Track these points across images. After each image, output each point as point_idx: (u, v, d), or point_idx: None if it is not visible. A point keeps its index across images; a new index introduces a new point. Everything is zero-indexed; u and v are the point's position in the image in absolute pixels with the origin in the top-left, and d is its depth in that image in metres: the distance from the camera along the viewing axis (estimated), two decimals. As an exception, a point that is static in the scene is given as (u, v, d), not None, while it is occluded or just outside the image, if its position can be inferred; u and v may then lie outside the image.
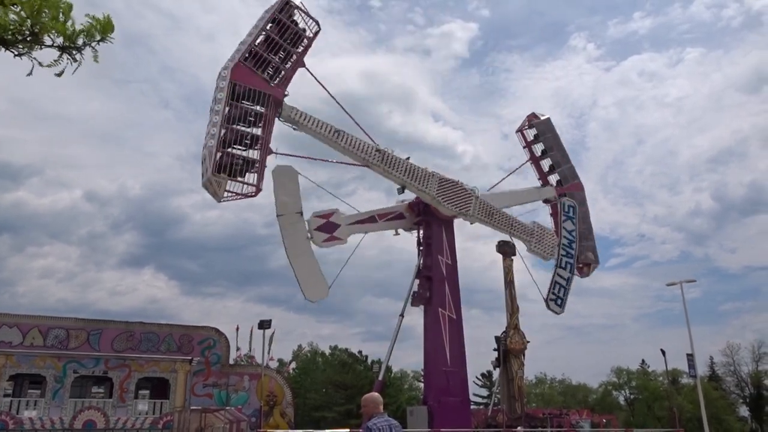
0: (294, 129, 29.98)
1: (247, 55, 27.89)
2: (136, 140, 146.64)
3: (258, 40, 28.41)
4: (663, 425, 56.27)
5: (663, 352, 38.54)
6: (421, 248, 33.14)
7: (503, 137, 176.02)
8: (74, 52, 4.51)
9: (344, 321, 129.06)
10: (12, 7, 4.24)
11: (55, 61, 4.47)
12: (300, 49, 30.00)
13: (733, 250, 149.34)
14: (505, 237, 36.51)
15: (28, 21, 4.29)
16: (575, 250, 37.58)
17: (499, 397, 46.58)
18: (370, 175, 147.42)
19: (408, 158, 33.38)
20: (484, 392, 73.80)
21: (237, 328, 48.51)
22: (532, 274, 41.54)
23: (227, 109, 26.78)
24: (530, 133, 40.68)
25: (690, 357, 35.09)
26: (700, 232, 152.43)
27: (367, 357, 71.24)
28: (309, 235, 29.12)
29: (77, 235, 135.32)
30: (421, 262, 32.48)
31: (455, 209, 32.64)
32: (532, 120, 40.64)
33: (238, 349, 47.94)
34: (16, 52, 4.39)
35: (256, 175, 26.89)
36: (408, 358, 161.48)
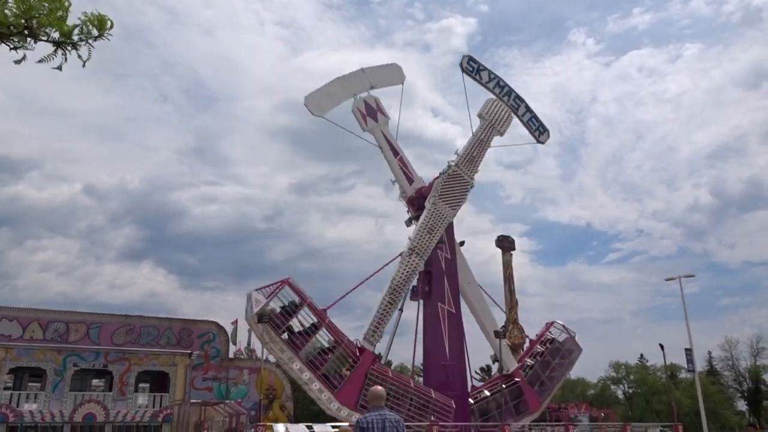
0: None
1: None
2: (136, 134, 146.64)
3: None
4: (661, 419, 56.47)
5: (661, 347, 38.64)
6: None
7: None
8: (69, 47, 4.53)
9: (343, 315, 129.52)
10: (7, 2, 4.25)
11: (48, 56, 4.49)
12: None
13: (732, 246, 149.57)
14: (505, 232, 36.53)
15: (23, 16, 4.30)
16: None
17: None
18: (369, 170, 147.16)
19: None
20: (483, 386, 73.94)
21: (235, 322, 48.47)
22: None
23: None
24: None
25: (688, 352, 35.17)
26: (699, 227, 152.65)
27: (366, 351, 71.36)
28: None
29: (76, 228, 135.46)
30: (421, 256, 32.45)
31: (452, 209, 32.73)
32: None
33: (236, 343, 48.02)
34: (11, 46, 4.41)
35: None
36: (407, 353, 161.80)
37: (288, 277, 28.54)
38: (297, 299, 27.73)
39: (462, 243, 35.25)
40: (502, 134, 37.33)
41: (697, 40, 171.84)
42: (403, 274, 29.45)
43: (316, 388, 25.86)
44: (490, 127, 36.43)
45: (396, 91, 35.03)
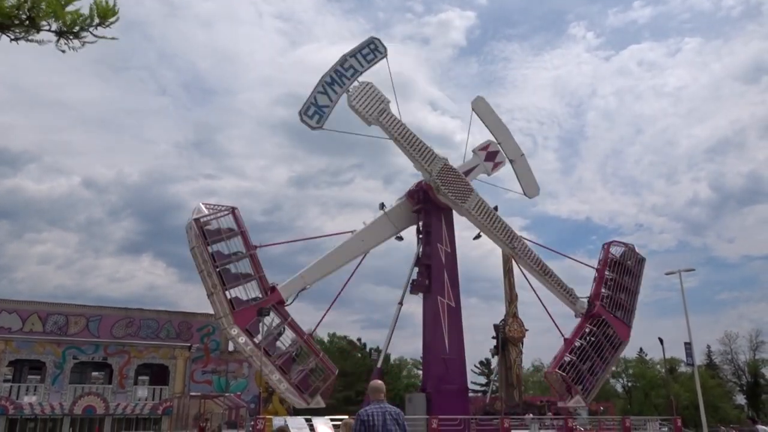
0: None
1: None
2: (134, 127, 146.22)
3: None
4: (660, 413, 56.60)
5: (661, 341, 38.64)
6: (420, 236, 33.13)
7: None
8: (71, 37, 4.49)
9: (342, 308, 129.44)
10: None
11: (54, 45, 4.47)
12: None
13: (731, 240, 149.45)
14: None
15: (27, 4, 4.26)
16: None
17: (497, 384, 46.81)
18: (368, 164, 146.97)
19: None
20: (483, 380, 74.15)
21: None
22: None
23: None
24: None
25: (688, 345, 35.23)
26: (698, 221, 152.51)
27: (365, 345, 71.52)
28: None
29: (75, 221, 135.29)
30: (421, 250, 32.49)
31: (451, 197, 32.53)
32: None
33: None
34: (12, 36, 4.37)
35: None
36: (407, 346, 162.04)
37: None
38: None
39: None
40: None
41: (697, 34, 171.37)
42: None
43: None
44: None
45: (395, 85, 34.51)
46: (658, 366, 77.04)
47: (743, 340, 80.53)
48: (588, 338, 35.51)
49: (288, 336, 28.13)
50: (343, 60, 31.53)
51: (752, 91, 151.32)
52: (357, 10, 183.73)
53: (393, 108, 32.55)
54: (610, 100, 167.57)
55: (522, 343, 46.11)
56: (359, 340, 73.35)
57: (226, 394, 38.21)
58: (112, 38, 4.68)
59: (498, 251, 45.48)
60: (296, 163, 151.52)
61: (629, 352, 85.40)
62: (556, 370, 33.47)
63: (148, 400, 40.66)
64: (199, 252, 27.23)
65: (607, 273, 36.96)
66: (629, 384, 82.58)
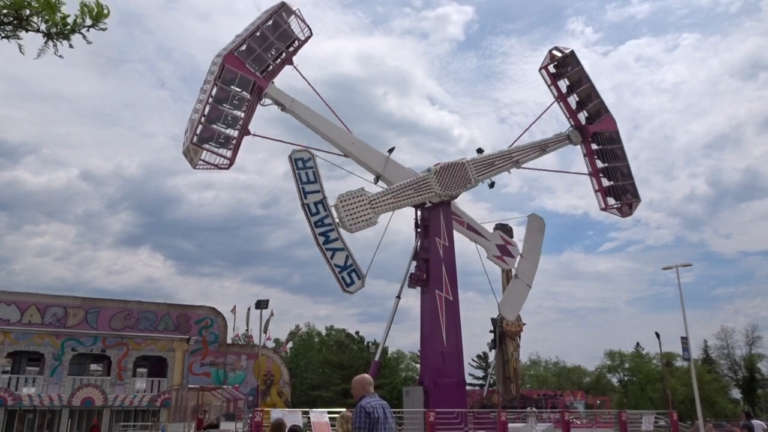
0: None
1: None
2: (132, 120, 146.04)
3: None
4: (656, 407, 56.86)
5: (657, 335, 38.88)
6: (418, 230, 33.15)
7: (500, 121, 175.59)
8: (61, 38, 4.53)
9: (340, 302, 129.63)
10: None
11: (41, 48, 4.51)
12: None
13: (728, 236, 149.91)
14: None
15: (13, 5, 4.29)
16: (330, 211, 28.63)
17: (494, 378, 47.05)
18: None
19: (392, 149, 33.01)
20: (480, 373, 74.43)
21: (233, 309, 48.72)
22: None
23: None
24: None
25: (684, 340, 35.33)
26: (695, 217, 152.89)
27: (363, 338, 71.72)
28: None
29: (73, 213, 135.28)
30: (419, 244, 32.51)
31: (462, 189, 32.42)
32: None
33: (234, 329, 48.21)
34: (3, 35, 4.41)
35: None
36: (404, 339, 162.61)
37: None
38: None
39: (391, 150, 32.68)
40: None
41: (695, 29, 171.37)
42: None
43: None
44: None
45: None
46: (655, 360, 77.39)
47: (739, 335, 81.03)
48: (603, 156, 36.78)
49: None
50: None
51: (749, 88, 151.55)
52: (356, 4, 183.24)
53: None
54: (608, 96, 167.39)
55: (519, 337, 46.39)
56: (357, 333, 73.61)
57: (224, 387, 38.33)
58: (102, 29, 4.67)
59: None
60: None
61: (625, 346, 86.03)
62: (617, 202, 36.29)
63: (147, 392, 40.80)
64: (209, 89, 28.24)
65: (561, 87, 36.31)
66: (626, 378, 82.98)
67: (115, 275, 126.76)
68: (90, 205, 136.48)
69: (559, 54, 36.14)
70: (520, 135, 36.15)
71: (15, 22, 4.37)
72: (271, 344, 55.46)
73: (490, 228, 34.88)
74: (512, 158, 34.12)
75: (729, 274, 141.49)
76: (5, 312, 40.64)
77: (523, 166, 35.13)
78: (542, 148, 35.65)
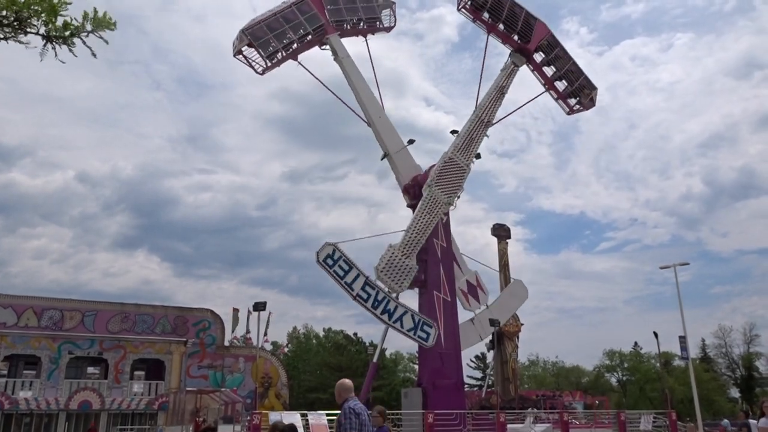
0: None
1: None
2: (129, 121, 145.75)
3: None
4: (655, 406, 56.86)
5: (656, 335, 38.80)
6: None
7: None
8: (61, 41, 4.49)
9: (338, 303, 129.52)
10: None
11: (41, 49, 4.46)
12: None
13: (725, 234, 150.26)
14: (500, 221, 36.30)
15: (13, 7, 4.25)
16: (378, 286, 27.94)
17: (493, 379, 46.98)
18: (362, 159, 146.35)
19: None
20: (478, 374, 74.39)
21: (235, 310, 48.50)
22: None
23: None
24: (471, 4, 35.19)
25: (682, 339, 35.32)
26: (692, 216, 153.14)
27: (361, 339, 71.59)
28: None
29: (69, 216, 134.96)
30: (417, 244, 32.41)
31: (461, 182, 32.19)
32: None
33: (233, 332, 48.04)
34: (2, 36, 4.37)
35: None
36: (402, 341, 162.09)
37: None
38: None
39: (411, 141, 34.28)
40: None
41: (690, 29, 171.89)
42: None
43: None
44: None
45: (389, 81, 34.65)
46: (653, 360, 77.39)
47: (737, 333, 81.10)
48: (551, 63, 37.20)
49: None
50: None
51: (744, 87, 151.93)
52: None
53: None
54: (603, 95, 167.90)
55: (517, 338, 46.35)
56: (355, 334, 73.47)
57: (222, 389, 38.19)
58: (102, 38, 4.65)
59: (494, 246, 45.57)
60: (290, 158, 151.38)
61: (623, 345, 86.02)
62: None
63: (144, 396, 40.64)
64: None
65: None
66: (624, 378, 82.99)
67: (111, 278, 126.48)
68: (86, 207, 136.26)
69: None
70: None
71: (15, 24, 4.33)
72: (269, 346, 55.33)
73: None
74: (482, 120, 33.99)
75: (726, 273, 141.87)
76: (2, 315, 40.46)
77: (495, 120, 35.13)
78: (499, 90, 35.68)
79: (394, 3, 37.12)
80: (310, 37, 32.89)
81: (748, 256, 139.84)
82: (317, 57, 34.14)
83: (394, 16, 37.10)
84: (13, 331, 39.53)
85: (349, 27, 35.21)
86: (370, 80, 34.44)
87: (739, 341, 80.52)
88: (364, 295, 27.26)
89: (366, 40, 35.50)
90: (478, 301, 33.98)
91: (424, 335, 28.58)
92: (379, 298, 27.63)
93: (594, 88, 38.48)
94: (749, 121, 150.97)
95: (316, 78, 33.60)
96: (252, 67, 31.69)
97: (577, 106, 38.57)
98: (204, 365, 44.64)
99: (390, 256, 28.51)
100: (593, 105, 38.93)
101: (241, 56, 31.49)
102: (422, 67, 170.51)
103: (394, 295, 28.44)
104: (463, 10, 35.38)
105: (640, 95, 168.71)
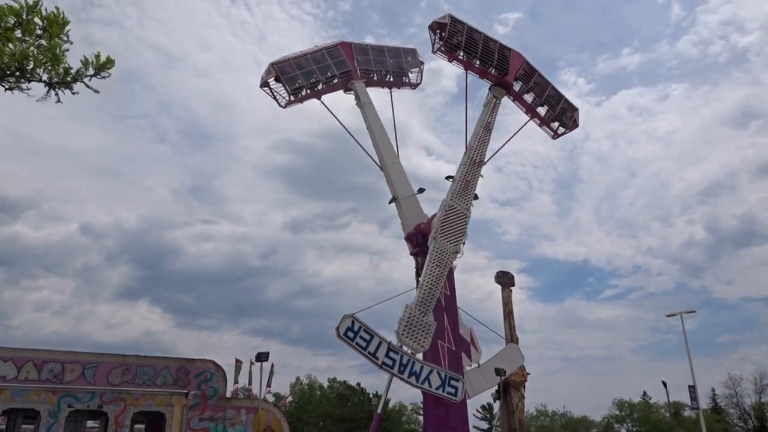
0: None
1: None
2: (133, 174, 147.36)
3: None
4: (666, 458, 55.50)
5: (664, 384, 38.20)
6: (419, 279, 33.01)
7: (496, 170, 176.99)
8: (63, 87, 4.61)
9: (340, 353, 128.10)
10: (8, 45, 4.33)
11: (43, 96, 4.58)
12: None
13: (730, 282, 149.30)
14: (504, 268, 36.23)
15: (17, 56, 4.37)
16: (400, 350, 27.70)
17: (499, 430, 45.99)
18: (364, 208, 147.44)
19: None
20: (485, 425, 72.89)
21: (238, 362, 47.94)
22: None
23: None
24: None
25: (692, 389, 34.75)
26: (695, 263, 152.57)
27: (364, 390, 70.52)
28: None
29: (72, 267, 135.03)
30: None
31: (463, 228, 31.85)
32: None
33: (235, 383, 47.38)
34: (6, 86, 4.48)
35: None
36: (406, 391, 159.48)
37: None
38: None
39: (422, 190, 35.12)
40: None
41: (685, 80, 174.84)
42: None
43: None
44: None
45: (390, 131, 35.56)
46: (663, 410, 75.88)
47: (747, 382, 79.72)
48: (531, 90, 37.84)
49: None
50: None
51: (741, 136, 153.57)
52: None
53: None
54: (602, 144, 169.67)
55: (524, 387, 45.54)
56: (358, 385, 72.40)
57: (224, 443, 37.45)
58: (104, 77, 4.77)
59: (497, 294, 45.26)
60: (291, 208, 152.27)
61: (631, 395, 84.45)
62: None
63: (144, 450, 39.84)
64: None
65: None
66: (634, 429, 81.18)
67: (113, 329, 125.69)
68: (89, 258, 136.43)
69: (439, 26, 34.94)
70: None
71: (18, 73, 4.44)
72: (271, 398, 54.48)
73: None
74: (474, 161, 33.85)
75: (732, 321, 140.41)
76: (2, 368, 40.03)
77: (487, 158, 35.31)
78: (485, 127, 35.81)
79: (422, 63, 38.76)
80: (336, 80, 34.88)
81: (754, 304, 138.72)
82: (329, 102, 35.59)
83: (421, 75, 39.15)
84: (12, 384, 39.05)
85: (376, 77, 37.25)
86: (387, 127, 36.42)
87: (749, 391, 79.17)
88: (390, 362, 26.98)
89: (390, 92, 37.80)
90: (470, 359, 33.51)
91: (452, 390, 28.34)
92: (404, 361, 27.38)
93: (575, 109, 39.06)
94: (749, 170, 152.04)
95: (336, 119, 35.13)
96: (276, 100, 33.28)
97: (561, 129, 39.16)
98: (205, 417, 43.86)
99: (408, 316, 28.25)
100: (576, 126, 39.42)
101: (267, 88, 33.64)
102: (423, 117, 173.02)
103: (419, 355, 28.06)
104: (438, 52, 35.92)
105: (639, 144, 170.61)
